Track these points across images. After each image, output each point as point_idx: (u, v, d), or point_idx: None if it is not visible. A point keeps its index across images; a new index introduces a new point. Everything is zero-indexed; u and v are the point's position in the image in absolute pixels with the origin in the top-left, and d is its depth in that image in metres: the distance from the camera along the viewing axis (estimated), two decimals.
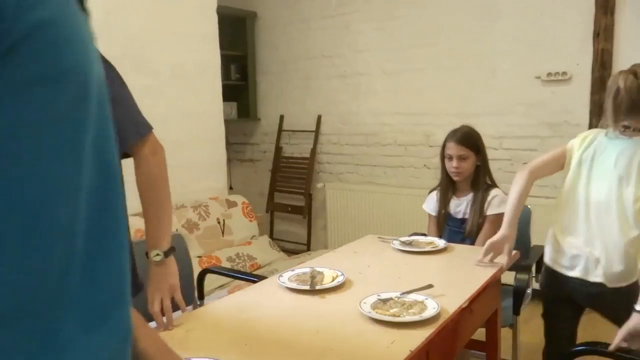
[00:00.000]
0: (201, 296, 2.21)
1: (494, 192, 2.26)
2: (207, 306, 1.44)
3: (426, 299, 1.38)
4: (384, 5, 3.87)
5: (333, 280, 1.55)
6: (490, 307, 1.75)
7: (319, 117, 4.30)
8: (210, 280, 2.62)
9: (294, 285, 1.53)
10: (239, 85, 4.51)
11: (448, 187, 2.33)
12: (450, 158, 2.23)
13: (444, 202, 2.33)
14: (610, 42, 3.11)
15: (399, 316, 1.28)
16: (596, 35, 3.13)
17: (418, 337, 1.19)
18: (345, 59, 4.12)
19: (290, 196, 4.43)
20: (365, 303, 1.35)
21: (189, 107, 3.36)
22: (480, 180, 2.27)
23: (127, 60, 2.97)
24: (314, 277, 1.57)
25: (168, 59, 3.20)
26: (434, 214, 2.37)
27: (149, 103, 3.08)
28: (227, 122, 3.61)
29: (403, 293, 1.42)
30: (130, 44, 2.98)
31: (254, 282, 2.03)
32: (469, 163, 2.22)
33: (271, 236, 4.31)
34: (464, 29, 3.56)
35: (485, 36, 3.49)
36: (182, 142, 3.31)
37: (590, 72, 3.18)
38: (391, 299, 1.38)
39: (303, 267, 1.70)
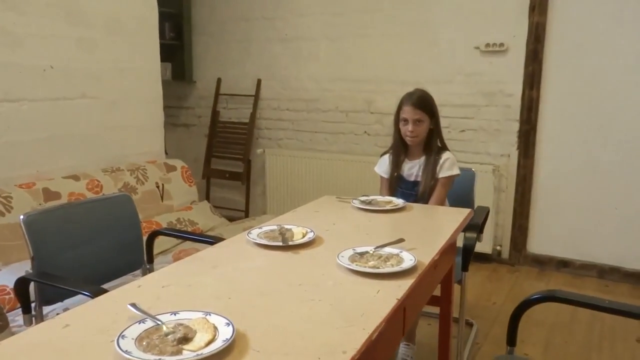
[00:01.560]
0: (150, 260, 2.12)
1: (445, 155, 2.31)
2: (174, 264, 1.37)
3: (400, 252, 1.40)
4: None
5: (304, 237, 1.53)
6: (448, 263, 1.82)
7: (259, 81, 4.19)
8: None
9: (264, 242, 1.49)
10: (174, 45, 4.29)
11: (400, 150, 2.35)
12: (406, 121, 2.25)
13: (396, 164, 2.36)
14: (544, 16, 3.26)
15: (378, 268, 1.29)
16: (532, 8, 3.27)
17: (400, 287, 1.20)
18: (286, 22, 4.03)
19: (228, 162, 4.33)
20: (342, 257, 1.35)
21: (125, 63, 3.15)
22: (433, 143, 2.31)
23: (57, 9, 2.72)
24: (283, 233, 1.54)
25: (102, 10, 2.96)
26: (386, 176, 2.39)
27: (82, 57, 2.87)
28: (161, 84, 3.43)
29: (377, 247, 1.43)
30: None
31: (210, 244, 1.96)
32: (423, 127, 2.25)
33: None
34: None
35: (429, 5, 3.54)
36: (116, 101, 3.11)
37: (525, 45, 3.32)
38: (367, 252, 1.39)
39: (269, 225, 1.66)
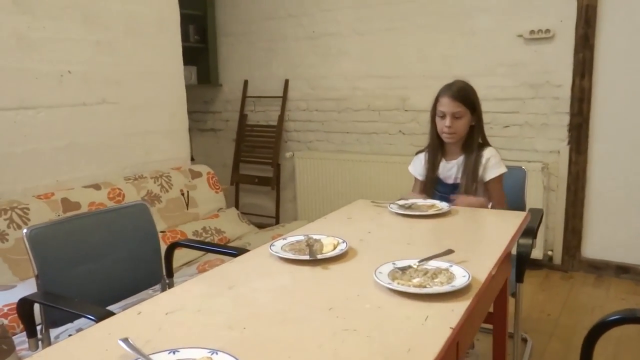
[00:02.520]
0: (170, 274, 1.94)
1: (487, 152, 2.04)
2: (186, 283, 1.18)
3: (450, 265, 1.17)
4: None
5: (335, 248, 1.32)
6: (503, 275, 1.58)
7: (286, 82, 4.01)
8: (176, 257, 2.35)
9: (290, 255, 1.29)
10: (198, 48, 4.16)
11: (437, 148, 2.08)
12: (443, 116, 1.97)
13: (432, 165, 2.09)
14: None
15: (425, 287, 1.07)
16: None
17: (454, 311, 0.98)
18: (313, 18, 3.84)
19: (256, 167, 4.16)
20: (381, 273, 1.13)
21: (146, 67, 3.02)
22: (474, 141, 2.03)
23: (73, 11, 2.60)
24: (311, 245, 1.34)
25: (121, 12, 2.84)
26: (420, 178, 2.14)
27: (101, 61, 2.74)
28: (186, 88, 3.29)
29: (422, 260, 1.21)
30: None
31: (233, 255, 1.78)
32: (463, 122, 1.97)
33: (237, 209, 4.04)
34: None
35: None
36: (138, 106, 2.98)
37: (574, 30, 3.04)
38: (410, 267, 1.17)
39: (295, 235, 1.46)
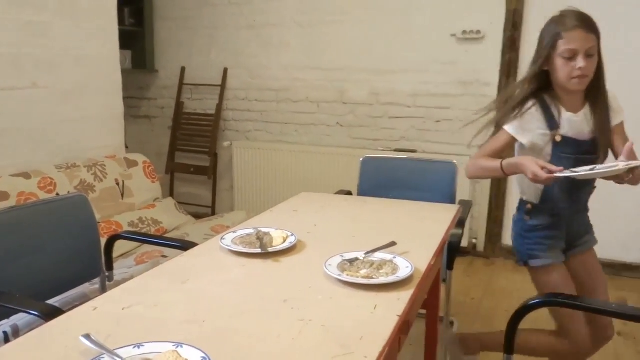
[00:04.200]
0: (110, 267, 1.91)
1: (610, 93, 1.66)
2: (139, 277, 1.19)
3: (394, 257, 1.26)
4: None
5: (284, 241, 1.37)
6: (438, 264, 1.69)
7: (225, 70, 3.98)
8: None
9: (241, 249, 1.32)
10: (134, 31, 4.02)
11: (554, 101, 1.60)
12: (572, 56, 1.50)
13: (555, 122, 1.59)
14: (521, 2, 3.17)
15: (372, 278, 1.14)
16: None
17: (400, 299, 1.06)
18: (255, 7, 3.82)
19: (193, 156, 4.11)
20: (330, 265, 1.20)
21: (80, 50, 2.89)
22: (602, 83, 1.62)
23: None
24: (261, 238, 1.38)
25: None
26: (525, 140, 1.61)
27: (32, 42, 2.61)
28: (121, 73, 3.19)
29: (368, 252, 1.28)
30: None
31: (177, 248, 1.78)
32: (595, 60, 1.54)
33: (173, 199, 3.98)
34: None
35: None
36: (71, 91, 2.86)
37: (502, 32, 3.23)
38: (357, 259, 1.25)
39: (244, 228, 1.49)
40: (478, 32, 3.26)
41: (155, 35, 4.17)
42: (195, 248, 1.41)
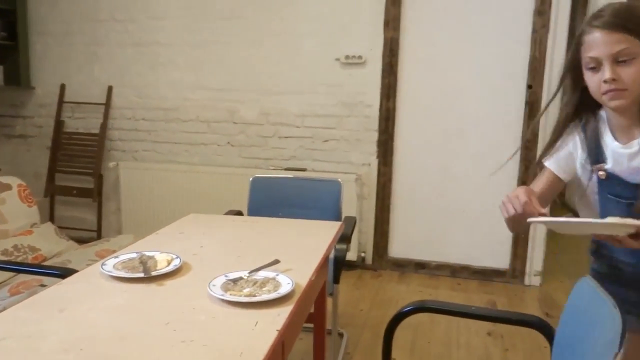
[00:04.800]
0: None
1: None
2: (11, 309, 1.14)
3: (277, 275, 1.32)
4: None
5: (169, 264, 1.38)
6: (322, 278, 1.78)
7: (110, 88, 3.85)
8: None
9: (123, 274, 1.31)
10: (6, 45, 3.76)
11: (598, 125, 1.24)
12: (598, 65, 1.13)
13: (597, 153, 1.23)
14: (397, 31, 3.43)
15: (254, 296, 1.20)
16: (386, 24, 3.43)
17: (280, 315, 1.12)
18: (140, 25, 3.76)
19: (75, 177, 3.90)
20: (214, 285, 1.23)
21: None
22: None
23: None
24: (144, 262, 1.38)
25: None
26: (584, 179, 1.27)
27: None
28: None
29: (252, 271, 1.33)
30: None
31: (56, 276, 1.71)
32: (636, 67, 1.10)
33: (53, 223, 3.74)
34: (270, 6, 3.55)
35: (291, 16, 3.54)
36: None
37: (382, 58, 3.47)
38: (241, 278, 1.29)
39: (127, 253, 1.48)
40: (360, 57, 3.47)
41: (31, 50, 3.93)
42: (75, 275, 1.37)
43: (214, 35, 3.66)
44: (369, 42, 3.46)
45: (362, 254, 3.72)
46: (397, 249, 3.71)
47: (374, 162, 3.59)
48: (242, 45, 3.64)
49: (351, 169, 3.62)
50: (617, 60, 1.10)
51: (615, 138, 1.21)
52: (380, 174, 3.61)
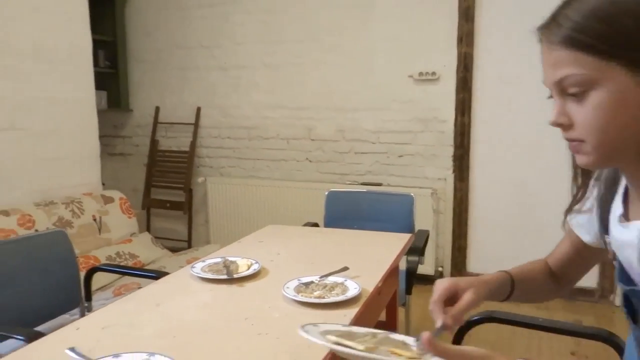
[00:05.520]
0: (89, 297, 2.03)
1: None
2: (116, 302, 1.33)
3: (345, 280, 1.42)
4: None
5: (249, 268, 1.53)
6: (391, 287, 1.86)
7: (199, 109, 4.17)
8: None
9: (209, 275, 1.47)
10: (109, 73, 4.20)
11: (618, 175, 0.82)
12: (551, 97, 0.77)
13: (603, 217, 0.86)
14: (471, 47, 3.45)
15: (324, 297, 1.31)
16: (459, 40, 3.46)
17: (346, 315, 1.22)
18: (224, 50, 4.05)
19: (168, 192, 4.24)
20: (288, 287, 1.36)
21: (56, 92, 3.05)
22: None
23: None
24: (227, 266, 1.53)
25: (30, 37, 2.87)
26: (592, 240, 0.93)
27: (9, 86, 2.76)
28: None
29: (322, 276, 1.45)
30: None
31: (152, 278, 1.92)
32: (592, 105, 0.66)
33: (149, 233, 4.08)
34: (344, 26, 3.70)
35: (364, 34, 3.66)
36: (48, 132, 3.00)
37: (455, 73, 3.50)
38: (312, 282, 1.41)
39: (212, 258, 1.65)
40: (433, 73, 3.52)
41: (129, 76, 4.35)
42: (168, 276, 1.55)
43: (291, 57, 3.87)
44: (442, 59, 3.50)
45: (440, 269, 3.72)
46: (476, 264, 3.68)
47: (450, 176, 3.60)
48: (317, 65, 3.81)
49: (427, 183, 3.65)
50: (566, 92, 0.69)
51: (625, 207, 0.78)
52: (456, 188, 3.61)
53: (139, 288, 2.52)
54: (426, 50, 3.53)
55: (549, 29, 0.68)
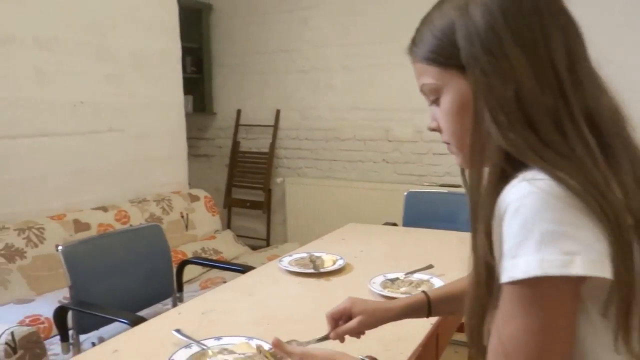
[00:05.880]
0: (180, 288, 2.16)
1: (510, 193, 0.58)
2: (212, 291, 1.41)
3: (431, 277, 1.42)
4: (344, 1, 3.92)
5: (334, 264, 1.56)
6: None
7: (278, 112, 4.28)
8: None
9: (296, 269, 1.53)
10: (195, 78, 4.41)
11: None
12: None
13: None
14: None
15: (410, 293, 1.31)
16: None
17: None
18: (303, 53, 4.14)
19: (248, 191, 4.39)
20: (374, 283, 1.38)
21: (150, 97, 3.26)
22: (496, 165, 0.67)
23: (87, 47, 2.84)
24: (314, 260, 1.58)
25: (128, 47, 3.08)
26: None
27: (110, 92, 2.98)
28: None
29: (407, 273, 1.46)
30: (90, 30, 2.85)
31: (239, 272, 2.01)
32: (442, 108, 0.72)
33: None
34: None
35: None
36: (142, 134, 3.21)
37: None
38: (398, 278, 1.42)
39: (298, 253, 1.70)
40: None
41: (214, 81, 4.55)
42: (257, 269, 1.62)
43: (368, 59, 3.89)
44: None
45: None
46: None
47: None
48: (395, 66, 3.80)
49: None
50: (429, 99, 0.75)
51: None
52: None
53: (224, 282, 2.65)
54: None
55: (411, 43, 0.77)
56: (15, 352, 1.62)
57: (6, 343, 1.61)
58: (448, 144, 0.74)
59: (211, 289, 2.50)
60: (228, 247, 3.26)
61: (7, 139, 2.49)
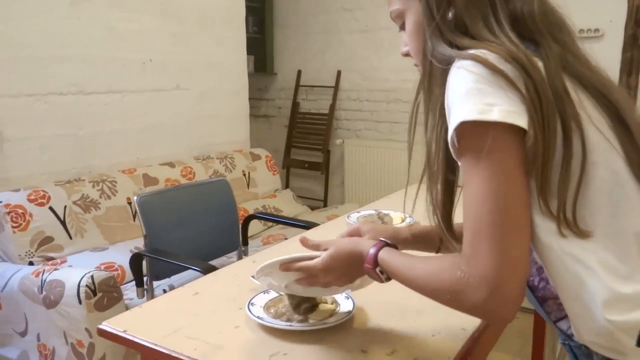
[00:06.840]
0: (245, 242, 2.21)
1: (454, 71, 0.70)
2: (278, 245, 1.43)
3: None
4: None
5: (402, 222, 1.55)
6: None
7: (339, 73, 4.23)
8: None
9: None
10: (256, 38, 4.41)
11: None
12: None
13: None
14: None
15: None
16: None
17: None
18: (366, 12, 4.03)
19: (307, 152, 4.40)
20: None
21: (214, 56, 3.29)
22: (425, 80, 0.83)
23: (154, 5, 2.88)
24: (382, 217, 1.56)
25: (194, 5, 3.10)
26: None
27: (177, 50, 3.02)
28: None
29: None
30: None
31: (303, 228, 2.03)
32: (408, 34, 0.84)
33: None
34: None
35: None
36: (206, 93, 3.25)
37: (624, 29, 3.14)
38: None
39: (366, 209, 1.69)
40: (597, 30, 3.20)
41: (275, 41, 4.53)
42: (325, 224, 1.63)
43: None
44: (608, 13, 3.16)
45: None
46: None
47: None
48: None
49: None
50: (398, 25, 0.86)
51: None
52: None
53: (285, 239, 2.70)
54: (589, 5, 3.21)
55: None
56: (94, 295, 1.72)
57: (86, 285, 1.71)
58: (417, 65, 0.85)
59: (273, 244, 2.57)
60: (288, 205, 3.31)
61: (82, 95, 2.59)
